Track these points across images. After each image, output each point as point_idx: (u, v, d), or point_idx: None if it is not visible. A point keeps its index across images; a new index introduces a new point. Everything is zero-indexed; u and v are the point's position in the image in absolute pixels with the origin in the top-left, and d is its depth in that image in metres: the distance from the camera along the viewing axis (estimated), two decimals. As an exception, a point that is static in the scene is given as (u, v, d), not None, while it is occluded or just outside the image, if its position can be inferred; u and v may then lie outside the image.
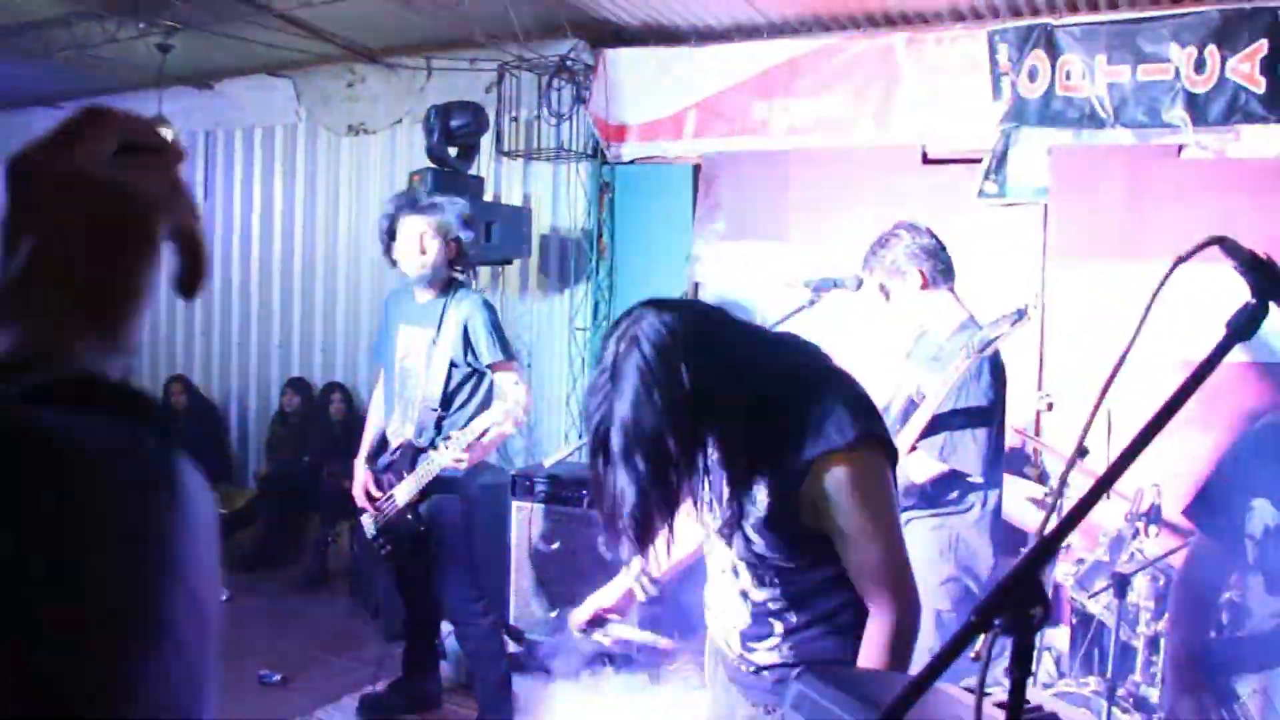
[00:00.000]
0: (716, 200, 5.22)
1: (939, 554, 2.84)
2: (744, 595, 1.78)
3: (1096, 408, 1.22)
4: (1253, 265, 1.10)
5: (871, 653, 1.65)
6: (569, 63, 5.33)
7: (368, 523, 3.62)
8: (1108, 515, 3.39)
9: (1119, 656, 2.83)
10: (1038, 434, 4.30)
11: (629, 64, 5.34)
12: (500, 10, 4.82)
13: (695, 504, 1.70)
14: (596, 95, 5.39)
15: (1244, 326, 1.07)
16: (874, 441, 1.66)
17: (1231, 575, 2.27)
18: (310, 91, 6.43)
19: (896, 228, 2.97)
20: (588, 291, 5.60)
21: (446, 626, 3.95)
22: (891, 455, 1.72)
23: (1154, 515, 3.22)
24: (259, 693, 4.00)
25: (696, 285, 5.21)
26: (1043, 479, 3.96)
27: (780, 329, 2.43)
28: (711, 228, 5.22)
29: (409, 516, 3.51)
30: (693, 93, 5.22)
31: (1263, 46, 3.92)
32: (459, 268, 3.71)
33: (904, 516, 2.20)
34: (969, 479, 2.84)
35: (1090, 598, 3.18)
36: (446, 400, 3.51)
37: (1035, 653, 1.58)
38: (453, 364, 3.49)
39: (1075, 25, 4.30)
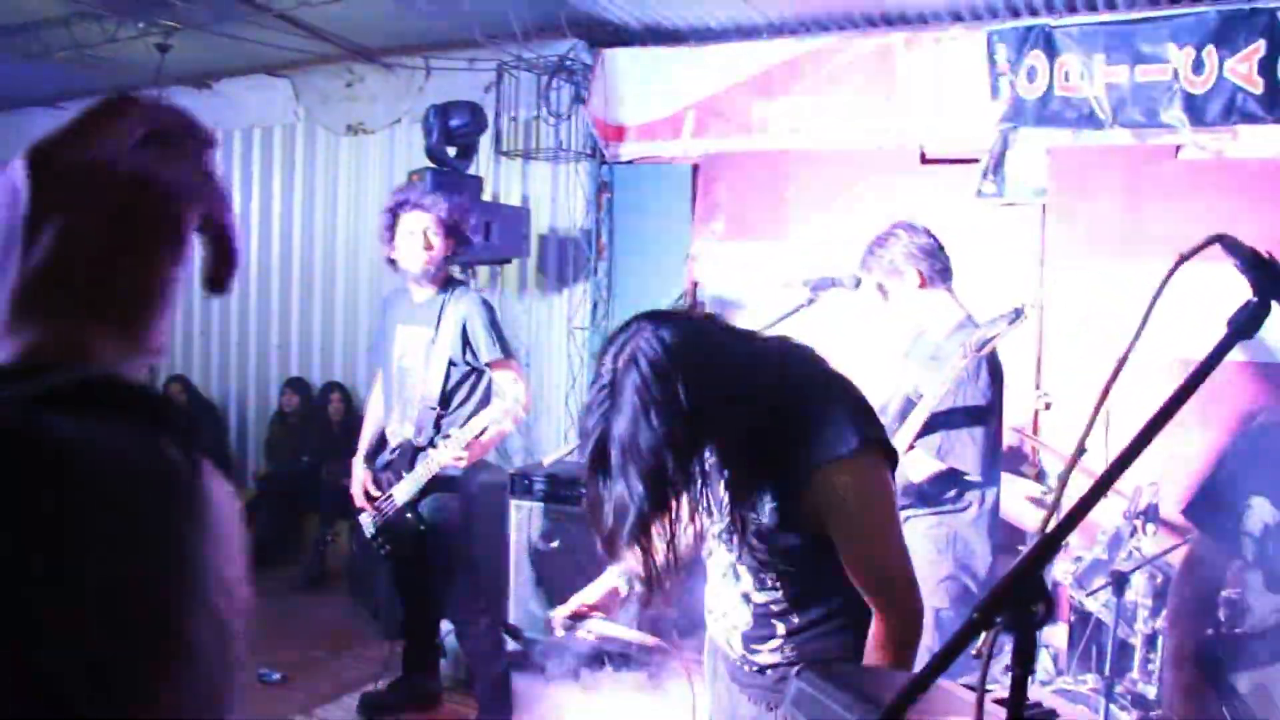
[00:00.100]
0: (715, 200, 5.22)
1: (937, 552, 2.85)
2: (745, 598, 1.78)
3: (1098, 408, 1.22)
4: (1254, 263, 1.10)
5: (874, 657, 1.65)
6: (568, 63, 5.33)
7: (367, 522, 3.62)
8: (1106, 513, 3.39)
9: (1117, 654, 2.83)
10: (1036, 433, 4.31)
11: (628, 64, 5.34)
12: (499, 10, 4.83)
13: (694, 510, 1.69)
14: (595, 95, 5.39)
15: (1245, 325, 1.07)
16: (875, 447, 1.67)
17: (1230, 573, 2.27)
18: (309, 91, 6.42)
19: (894, 227, 2.97)
20: (586, 291, 5.60)
21: (446, 625, 3.95)
22: (892, 459, 1.73)
23: (1152, 513, 3.22)
24: (259, 692, 4.00)
25: (695, 285, 5.21)
26: (1040, 478, 3.96)
27: (778, 329, 2.44)
28: (710, 227, 5.22)
29: (408, 515, 3.51)
30: (692, 93, 5.21)
31: (1260, 47, 3.93)
32: (457, 266, 3.71)
33: (902, 515, 2.21)
34: (967, 478, 2.85)
35: (1088, 595, 3.19)
36: (445, 399, 3.51)
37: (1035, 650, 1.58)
38: (451, 363, 3.49)
39: (1074, 26, 4.31)
